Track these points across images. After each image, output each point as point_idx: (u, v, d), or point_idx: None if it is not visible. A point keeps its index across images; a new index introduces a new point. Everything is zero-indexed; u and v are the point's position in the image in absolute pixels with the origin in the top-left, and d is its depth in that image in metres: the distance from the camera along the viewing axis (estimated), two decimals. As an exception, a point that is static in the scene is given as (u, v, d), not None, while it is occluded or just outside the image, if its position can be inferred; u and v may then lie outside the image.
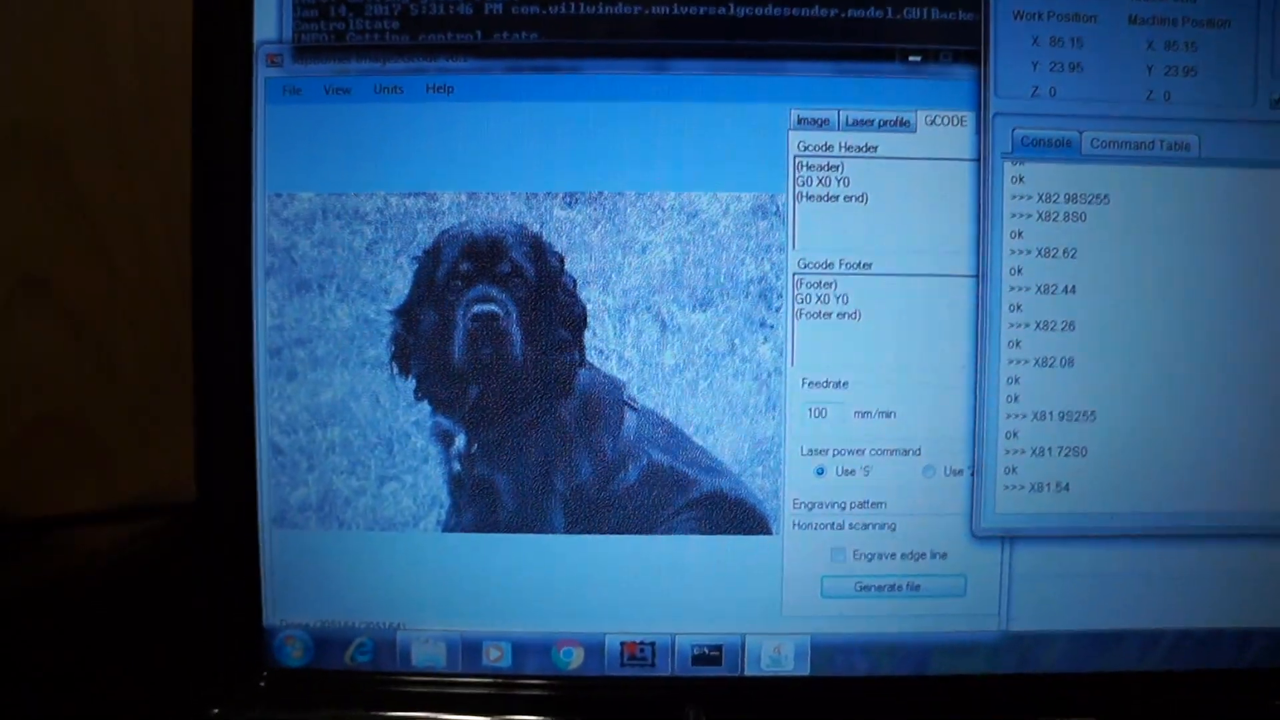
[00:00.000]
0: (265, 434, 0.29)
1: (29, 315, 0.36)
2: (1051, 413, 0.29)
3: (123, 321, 0.36)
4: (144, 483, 0.35)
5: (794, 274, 0.28)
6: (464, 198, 0.28)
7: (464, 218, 0.28)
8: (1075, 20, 0.29)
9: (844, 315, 0.29)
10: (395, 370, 0.28)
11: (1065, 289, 0.29)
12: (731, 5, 0.28)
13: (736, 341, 0.28)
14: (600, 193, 0.28)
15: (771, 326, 0.28)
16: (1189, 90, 0.29)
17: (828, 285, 0.28)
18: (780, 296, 0.28)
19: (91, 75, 0.36)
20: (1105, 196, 0.29)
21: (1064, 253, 0.29)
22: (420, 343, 0.28)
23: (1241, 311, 0.29)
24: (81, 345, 0.36)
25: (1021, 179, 0.29)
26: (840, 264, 0.29)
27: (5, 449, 0.36)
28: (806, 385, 0.28)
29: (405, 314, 0.28)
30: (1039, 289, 0.29)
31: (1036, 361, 0.29)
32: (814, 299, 0.28)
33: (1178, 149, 0.29)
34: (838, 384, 0.29)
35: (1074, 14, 0.29)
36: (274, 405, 0.28)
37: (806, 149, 0.29)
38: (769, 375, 0.28)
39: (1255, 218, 0.29)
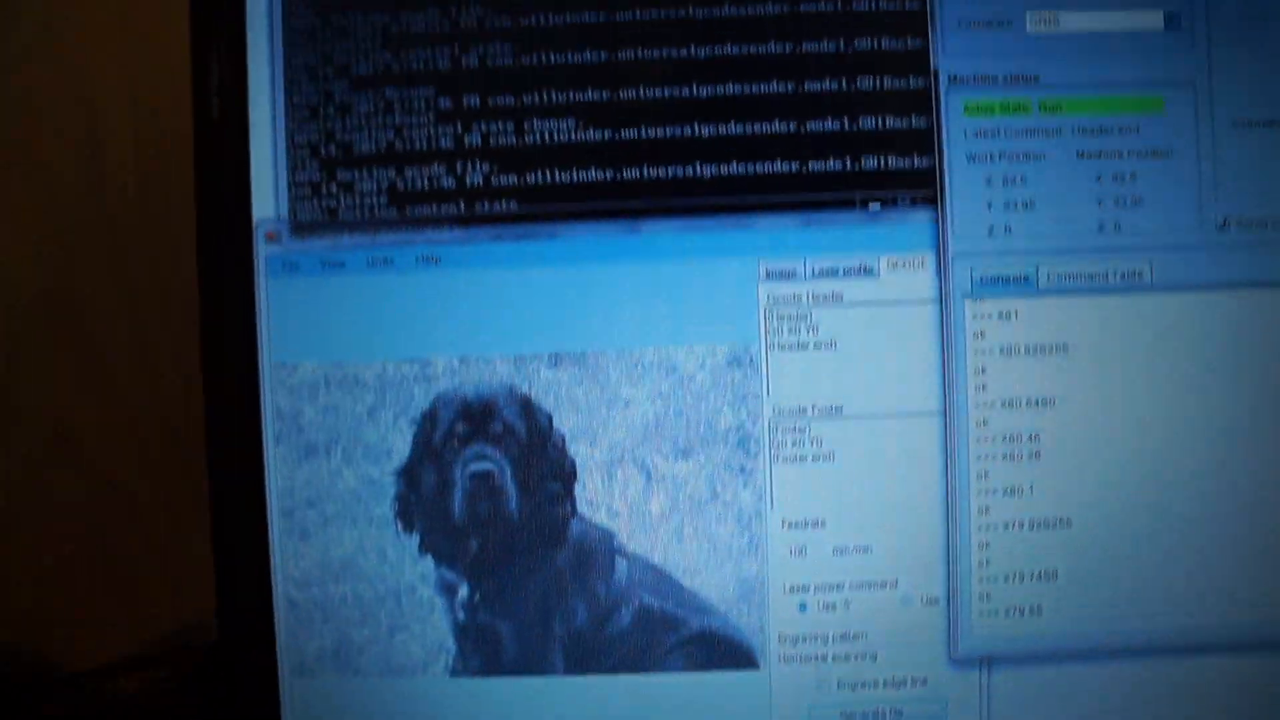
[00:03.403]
0: (282, 589, 0.30)
1: (56, 467, 0.38)
2: (1021, 540, 0.30)
3: (145, 470, 0.38)
4: (175, 622, 0.37)
5: (769, 421, 0.30)
6: (456, 362, 0.30)
7: (457, 381, 0.30)
8: (1026, 160, 0.31)
9: (818, 458, 0.30)
10: (399, 527, 0.30)
11: (1029, 421, 0.30)
12: (698, 165, 0.30)
13: (718, 488, 0.30)
14: (583, 352, 0.30)
15: (750, 472, 0.30)
16: (1138, 219, 0.31)
17: (802, 430, 0.30)
18: (757, 443, 0.30)
19: (106, 247, 0.38)
20: (1064, 327, 0.30)
21: (1027, 385, 0.30)
22: (422, 500, 0.30)
23: (1202, 430, 0.31)
24: (107, 491, 0.38)
25: (982, 316, 0.30)
26: (813, 409, 0.30)
27: (34, 594, 0.38)
28: (786, 526, 0.30)
29: (406, 474, 0.30)
30: (1004, 422, 0.30)
31: (1004, 491, 0.30)
32: (789, 444, 0.30)
33: (1131, 277, 0.31)
34: (815, 523, 0.30)
35: (1025, 154, 0.31)
36: (289, 563, 0.30)
37: (776, 300, 0.30)
38: (750, 518, 0.30)
39: (1208, 338, 0.31)
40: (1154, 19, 0.31)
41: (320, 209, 0.31)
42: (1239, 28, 0.31)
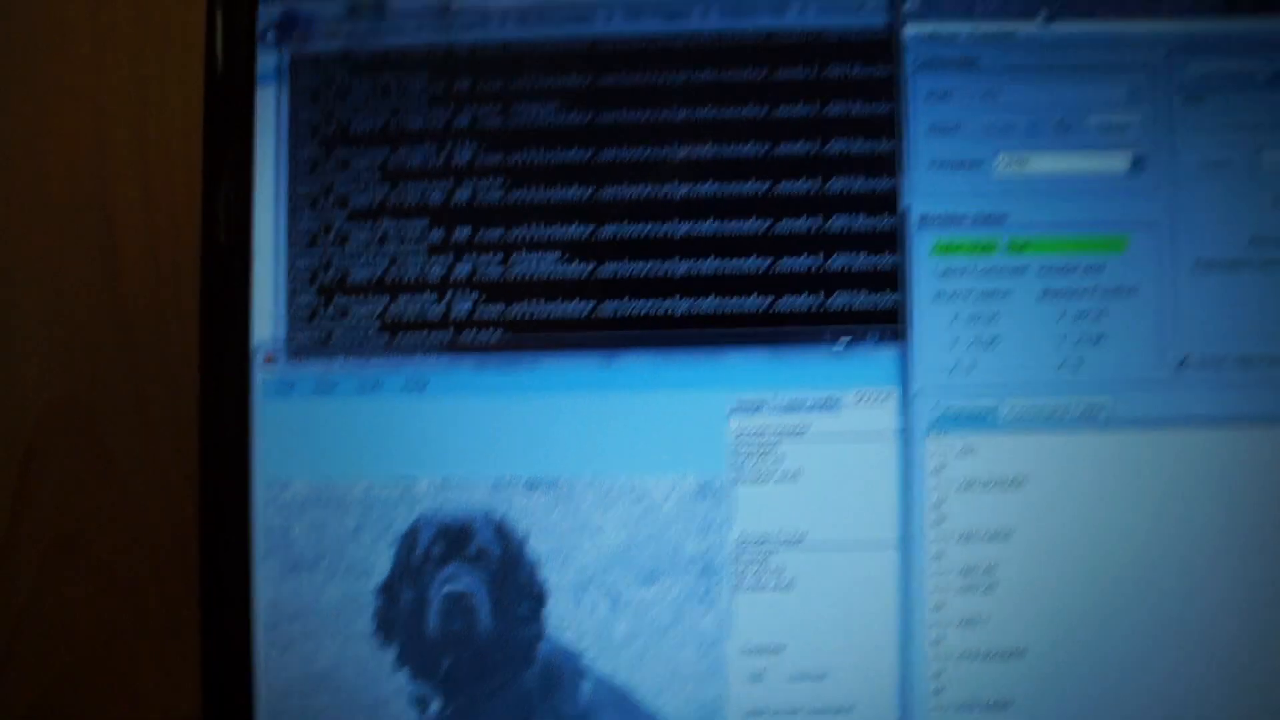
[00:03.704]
0: (264, 698, 0.32)
1: (66, 569, 0.40)
2: (975, 670, 0.31)
3: (153, 574, 0.40)
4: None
5: (732, 551, 0.31)
6: (437, 485, 0.32)
7: (437, 503, 0.32)
8: (992, 298, 0.32)
9: (778, 587, 0.31)
10: (377, 642, 0.31)
11: (986, 554, 0.31)
12: (672, 301, 0.31)
13: (681, 614, 0.31)
14: (557, 479, 0.31)
15: (712, 599, 0.31)
16: (1099, 356, 0.32)
17: (763, 560, 0.31)
18: (720, 572, 0.31)
19: (120, 357, 0.40)
20: (1023, 462, 0.31)
21: (985, 519, 0.31)
22: (399, 617, 0.31)
23: (1157, 565, 0.31)
24: (115, 593, 0.40)
25: (943, 450, 0.31)
26: (774, 539, 0.31)
27: (41, 691, 0.40)
28: (744, 653, 0.31)
29: (385, 591, 0.31)
30: (961, 555, 0.31)
31: (960, 623, 0.31)
32: (751, 573, 0.31)
33: (1091, 413, 0.32)
34: (773, 650, 0.31)
35: (990, 292, 0.32)
36: (271, 673, 0.32)
37: (743, 432, 0.31)
38: (710, 644, 0.31)
39: (1165, 474, 0.31)
40: (1121, 161, 0.32)
41: (316, 334, 0.32)
42: (1203, 170, 0.32)
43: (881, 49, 0.32)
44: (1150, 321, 0.32)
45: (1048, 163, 0.32)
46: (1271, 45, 0.32)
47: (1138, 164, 0.32)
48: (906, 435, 0.31)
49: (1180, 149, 0.32)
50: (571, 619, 0.31)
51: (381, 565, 0.32)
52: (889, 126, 0.32)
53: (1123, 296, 0.32)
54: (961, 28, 0.32)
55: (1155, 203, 0.32)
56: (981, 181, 0.32)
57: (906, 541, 0.31)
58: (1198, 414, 0.32)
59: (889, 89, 0.32)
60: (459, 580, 0.31)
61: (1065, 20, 0.32)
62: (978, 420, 0.31)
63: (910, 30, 0.32)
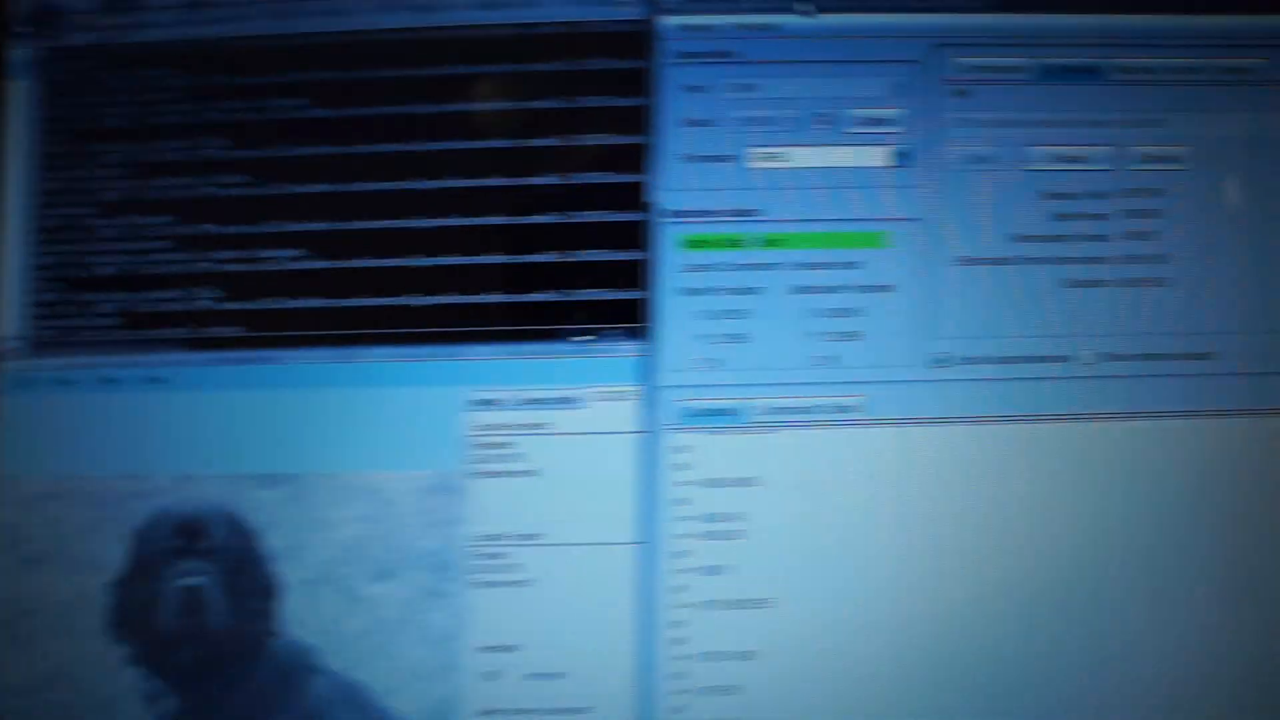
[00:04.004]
0: None
1: None
2: (715, 670, 0.30)
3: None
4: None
5: (468, 547, 0.30)
6: (173, 480, 0.31)
7: (172, 498, 0.31)
8: (741, 294, 0.31)
9: (514, 584, 0.30)
10: (111, 638, 0.31)
11: (729, 553, 0.30)
12: (410, 296, 0.31)
13: (415, 610, 0.30)
14: (293, 474, 0.31)
15: (447, 595, 0.30)
16: (853, 354, 0.31)
17: (499, 556, 0.30)
18: (455, 568, 0.30)
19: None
20: (770, 460, 0.30)
21: (728, 518, 0.30)
22: (133, 613, 0.31)
23: (911, 563, 0.30)
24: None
25: (685, 448, 0.31)
26: (511, 536, 0.30)
27: None
28: (479, 650, 0.30)
29: (120, 586, 0.31)
30: (703, 553, 0.30)
31: (700, 623, 0.30)
32: (486, 570, 0.30)
33: (844, 411, 0.31)
34: (509, 648, 0.30)
35: (739, 288, 0.31)
36: (5, 671, 0.31)
37: (480, 428, 0.31)
38: (444, 641, 0.30)
39: (919, 471, 0.30)
40: (882, 156, 0.31)
41: (58, 329, 0.32)
42: (967, 166, 0.31)
43: (636, 41, 0.31)
44: (908, 319, 0.31)
45: (805, 157, 0.31)
46: (1038, 40, 0.32)
47: (899, 159, 0.31)
48: (648, 433, 0.31)
49: (944, 144, 0.31)
50: (305, 614, 0.31)
51: (116, 561, 0.31)
52: (640, 120, 0.31)
53: (880, 293, 0.31)
54: (721, 19, 0.32)
55: (916, 198, 0.31)
56: (734, 176, 0.31)
57: (647, 539, 0.30)
58: (954, 413, 0.31)
59: (642, 82, 0.31)
60: (192, 575, 0.31)
61: (828, 13, 0.32)
62: (723, 417, 0.31)
63: (667, 22, 0.32)
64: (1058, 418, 0.31)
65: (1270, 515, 0.31)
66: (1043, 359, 0.31)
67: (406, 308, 0.31)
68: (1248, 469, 0.31)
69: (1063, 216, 0.31)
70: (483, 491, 0.31)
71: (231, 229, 0.32)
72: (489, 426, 0.31)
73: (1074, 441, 0.31)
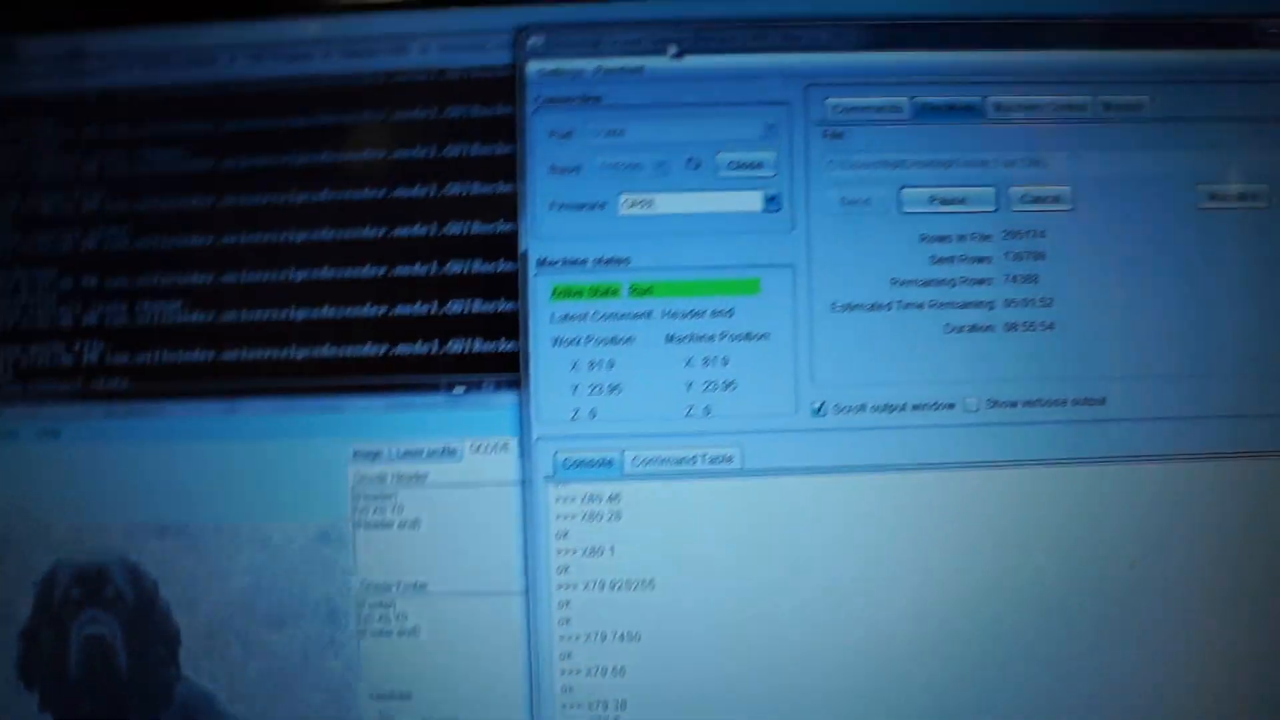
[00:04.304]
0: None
1: None
2: (602, 715, 0.31)
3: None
4: None
5: (356, 596, 0.31)
6: (73, 530, 0.32)
7: (73, 549, 0.32)
8: (614, 344, 0.31)
9: (403, 632, 0.31)
10: (20, 686, 0.32)
11: (611, 600, 0.31)
12: (291, 349, 0.31)
13: (310, 658, 0.32)
14: (185, 524, 0.32)
15: (340, 644, 0.31)
16: (729, 404, 0.31)
17: (388, 605, 0.31)
18: (346, 617, 0.31)
19: None
20: (649, 510, 0.31)
21: (609, 567, 0.31)
22: (41, 660, 0.32)
23: (797, 611, 0.31)
24: None
25: (565, 498, 0.31)
26: (398, 586, 0.31)
27: None
28: (373, 698, 0.32)
29: (27, 635, 0.32)
30: (584, 601, 0.31)
31: (588, 671, 0.31)
32: (376, 618, 0.31)
33: (720, 462, 0.31)
34: (402, 695, 0.31)
35: (612, 338, 0.31)
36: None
37: (363, 480, 0.31)
38: (340, 689, 0.31)
39: (798, 521, 0.31)
40: (752, 201, 0.31)
41: (-46, 383, 0.33)
42: (841, 209, 0.31)
43: (503, 88, 0.31)
44: (785, 367, 0.31)
45: (675, 203, 0.31)
46: (913, 78, 0.31)
47: (772, 203, 0.31)
48: (527, 483, 0.31)
49: (817, 187, 0.31)
50: (206, 662, 0.32)
51: (23, 609, 0.32)
52: (509, 168, 0.31)
53: (755, 341, 0.31)
54: (587, 64, 0.31)
55: (790, 244, 0.31)
56: (604, 223, 0.31)
57: (530, 589, 0.31)
58: (834, 463, 0.31)
59: (509, 129, 0.31)
60: (97, 624, 0.32)
61: (697, 55, 0.31)
62: (600, 468, 0.31)
63: (533, 67, 0.31)
64: (943, 466, 0.31)
65: (1161, 560, 0.31)
66: (925, 407, 0.31)
67: (287, 360, 0.31)
68: (1137, 515, 0.31)
69: (942, 260, 0.31)
70: (369, 542, 0.31)
71: (113, 282, 0.32)
72: (372, 478, 0.31)
73: (960, 491, 0.31)
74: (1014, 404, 0.31)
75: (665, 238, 0.31)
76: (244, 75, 0.32)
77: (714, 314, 0.31)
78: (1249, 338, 0.31)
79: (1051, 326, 0.31)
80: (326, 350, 0.31)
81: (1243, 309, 0.31)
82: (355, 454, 0.31)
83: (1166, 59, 0.31)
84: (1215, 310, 0.31)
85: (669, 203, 0.31)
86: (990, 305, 0.31)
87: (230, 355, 0.32)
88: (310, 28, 0.31)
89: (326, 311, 0.31)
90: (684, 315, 0.31)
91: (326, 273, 0.31)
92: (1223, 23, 0.31)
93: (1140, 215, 0.31)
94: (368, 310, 0.31)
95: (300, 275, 0.31)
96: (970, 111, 0.31)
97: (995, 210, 0.31)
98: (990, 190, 0.31)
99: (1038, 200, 0.31)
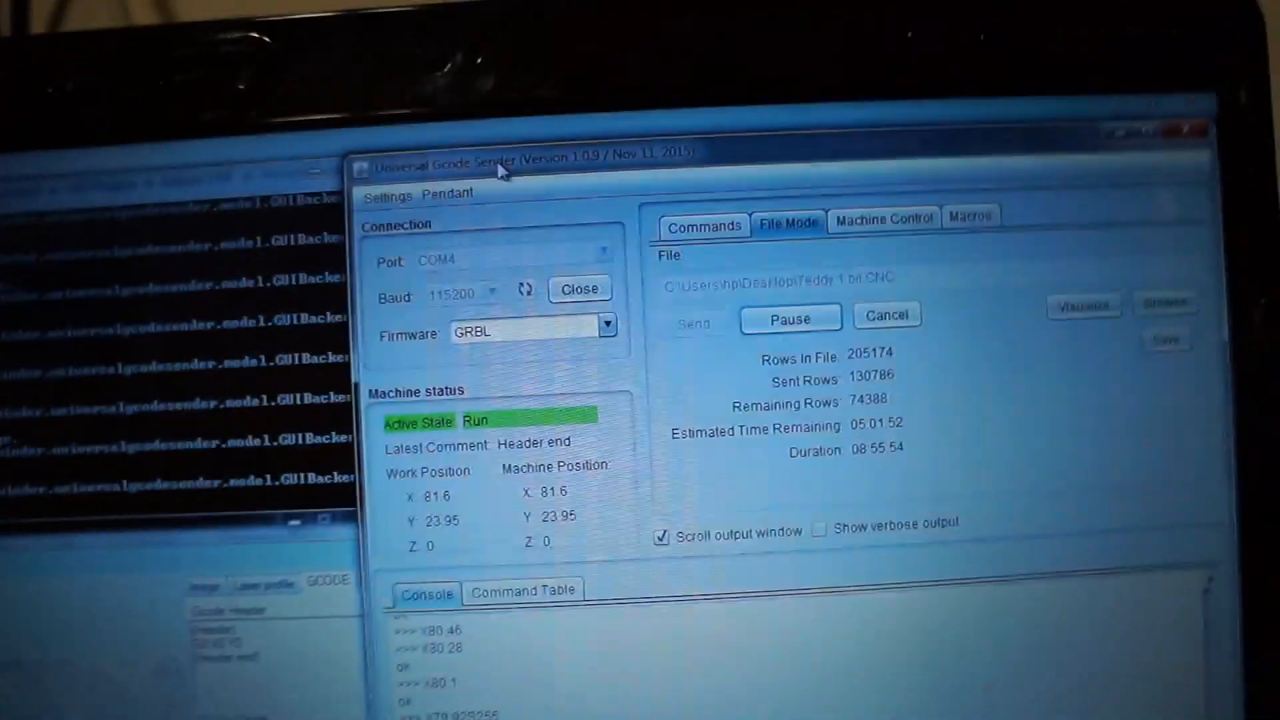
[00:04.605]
0: None
1: None
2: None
3: None
4: None
5: (195, 733, 0.31)
6: (-85, 664, 0.32)
7: (-84, 683, 0.32)
8: (449, 475, 0.30)
9: (244, 769, 0.31)
10: None
11: (448, 735, 0.31)
12: (124, 482, 0.31)
13: (150, 793, 0.31)
14: (19, 661, 0.31)
15: (181, 780, 0.31)
16: (570, 534, 0.30)
17: (226, 741, 0.31)
18: (185, 753, 0.31)
19: None
20: (491, 642, 0.30)
21: (452, 699, 0.30)
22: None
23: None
24: None
25: (404, 631, 0.31)
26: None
27: None
28: (210, 831, 0.31)
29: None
30: (425, 734, 0.31)
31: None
32: (215, 754, 0.31)
33: (563, 592, 0.30)
34: (244, 830, 0.31)
35: (447, 469, 0.30)
36: None
37: (200, 613, 0.31)
38: (180, 824, 0.31)
39: (644, 650, 0.30)
40: (587, 325, 0.30)
41: None
42: (680, 332, 0.30)
43: (331, 214, 0.30)
44: (625, 496, 0.30)
45: (508, 330, 0.30)
46: (751, 195, 0.30)
47: (608, 328, 0.30)
48: (366, 616, 0.31)
49: (654, 310, 0.30)
50: (49, 799, 0.32)
51: None
52: (339, 297, 0.30)
53: (594, 470, 0.30)
54: (415, 188, 0.30)
55: (627, 369, 0.30)
56: (437, 353, 0.30)
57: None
58: (677, 592, 0.30)
59: (338, 257, 0.30)
60: (-61, 758, 0.32)
61: (526, 175, 0.30)
62: (440, 600, 0.30)
63: (360, 193, 0.30)
64: (790, 592, 0.30)
65: (1016, 682, 0.30)
66: (770, 533, 0.30)
67: (120, 494, 0.31)
68: (991, 637, 0.30)
69: (786, 382, 0.30)
70: (208, 676, 0.31)
71: (-56, 417, 0.31)
72: (209, 611, 0.31)
73: (810, 615, 0.30)
74: (863, 527, 0.30)
75: (499, 366, 0.30)
76: (66, 205, 0.31)
77: (551, 443, 0.30)
78: (1104, 452, 0.30)
79: (901, 447, 0.30)
80: (159, 484, 0.31)
81: (1098, 423, 0.30)
82: (192, 587, 0.31)
83: (1016, 165, 0.30)
84: (1070, 425, 0.30)
85: (502, 330, 0.30)
86: (837, 427, 0.30)
87: (64, 489, 0.31)
88: (132, 155, 0.30)
89: (158, 445, 0.31)
90: (520, 445, 0.30)
91: (156, 406, 0.31)
92: (1073, 126, 0.30)
93: (991, 328, 0.30)
94: (199, 444, 0.31)
95: (131, 409, 0.31)
96: (812, 226, 0.30)
97: (840, 328, 0.30)
98: (834, 308, 0.30)
99: (884, 317, 0.30)
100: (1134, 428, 0.30)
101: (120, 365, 0.31)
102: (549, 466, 0.30)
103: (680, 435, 0.30)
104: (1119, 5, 0.31)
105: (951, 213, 0.30)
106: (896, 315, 0.30)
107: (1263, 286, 0.31)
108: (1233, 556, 0.31)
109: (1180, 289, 0.31)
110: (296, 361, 0.30)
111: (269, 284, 0.30)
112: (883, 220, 0.30)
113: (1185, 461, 0.31)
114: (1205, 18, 0.31)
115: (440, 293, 0.30)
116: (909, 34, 0.30)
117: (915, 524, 0.30)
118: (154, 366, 0.31)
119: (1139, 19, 0.30)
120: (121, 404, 0.31)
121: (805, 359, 0.30)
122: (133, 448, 0.31)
